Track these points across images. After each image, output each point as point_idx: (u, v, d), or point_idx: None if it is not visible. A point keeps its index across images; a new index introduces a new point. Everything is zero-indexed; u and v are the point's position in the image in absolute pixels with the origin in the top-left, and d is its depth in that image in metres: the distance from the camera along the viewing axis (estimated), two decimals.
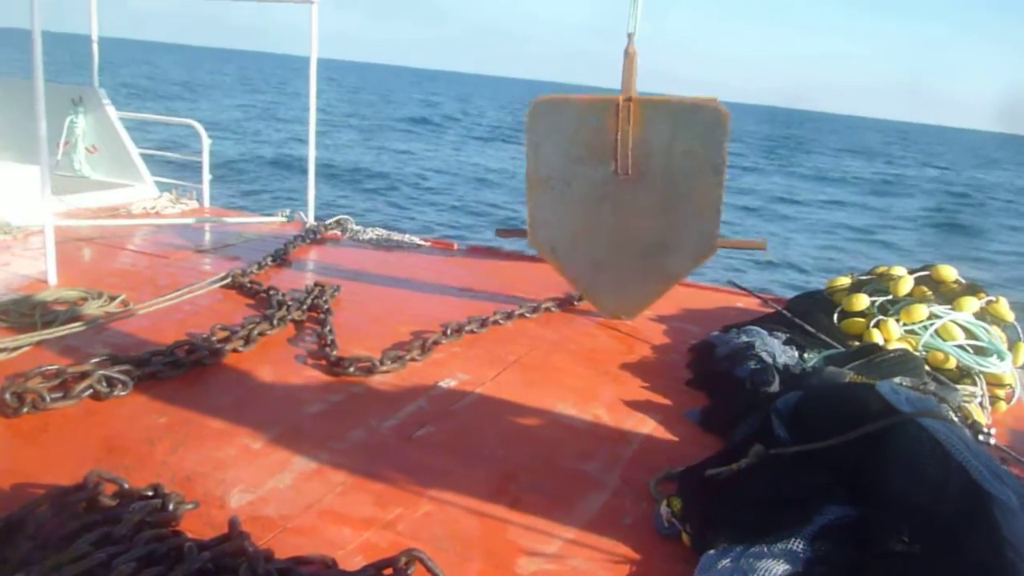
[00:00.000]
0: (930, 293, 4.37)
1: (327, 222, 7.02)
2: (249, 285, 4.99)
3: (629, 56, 4.33)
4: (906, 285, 4.39)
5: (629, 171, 4.39)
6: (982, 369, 3.98)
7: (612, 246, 4.62)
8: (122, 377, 3.39)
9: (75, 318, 4.19)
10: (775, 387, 3.63)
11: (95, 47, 7.94)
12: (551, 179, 4.57)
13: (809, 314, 4.49)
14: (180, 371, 3.61)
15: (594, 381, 4.01)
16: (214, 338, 3.91)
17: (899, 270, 4.55)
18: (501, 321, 4.71)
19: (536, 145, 4.53)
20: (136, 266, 5.48)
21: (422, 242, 6.88)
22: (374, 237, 6.89)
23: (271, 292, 4.79)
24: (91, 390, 3.28)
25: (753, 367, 3.83)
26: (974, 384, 3.93)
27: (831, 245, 23.40)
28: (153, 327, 4.20)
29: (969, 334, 4.11)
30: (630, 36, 4.33)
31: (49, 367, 3.38)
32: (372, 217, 16.59)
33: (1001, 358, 4.05)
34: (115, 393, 3.32)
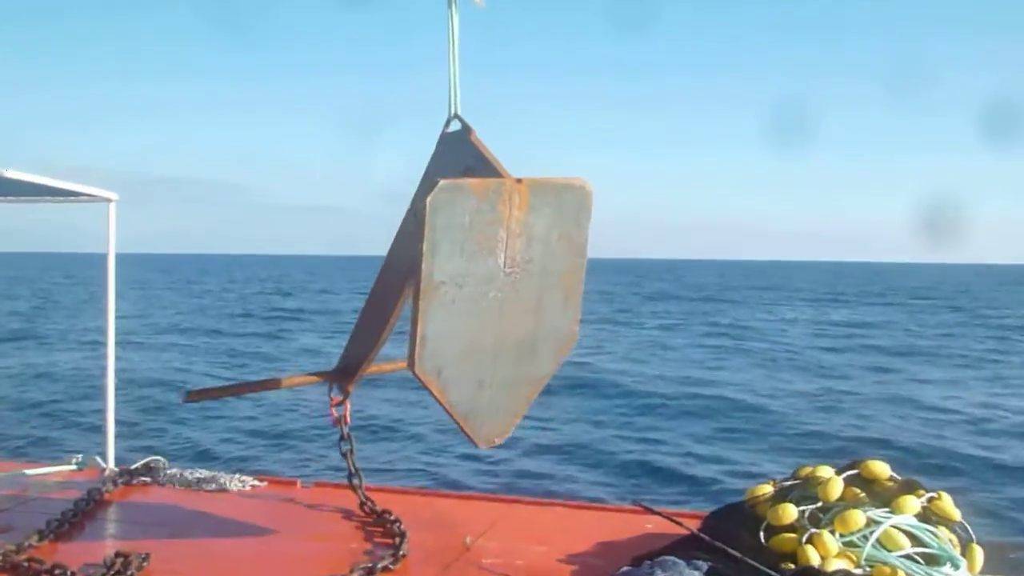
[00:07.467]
0: (863, 495, 3.95)
1: (133, 467, 6.02)
2: (27, 565, 4.05)
3: (473, 133, 4.25)
4: (836, 488, 3.94)
5: (516, 261, 4.15)
6: None
7: (494, 355, 4.24)
8: None
9: None
10: None
11: None
12: (444, 283, 4.00)
13: (731, 534, 3.94)
14: None
15: None
16: None
17: (825, 470, 4.11)
18: None
19: (435, 244, 3.93)
20: None
21: (257, 482, 5.95)
22: (195, 480, 5.91)
23: (56, 572, 3.91)
24: None
25: None
26: None
27: None
28: None
29: (915, 540, 3.68)
30: (459, 118, 4.29)
31: None
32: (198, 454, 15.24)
33: (956, 565, 3.62)
34: None
